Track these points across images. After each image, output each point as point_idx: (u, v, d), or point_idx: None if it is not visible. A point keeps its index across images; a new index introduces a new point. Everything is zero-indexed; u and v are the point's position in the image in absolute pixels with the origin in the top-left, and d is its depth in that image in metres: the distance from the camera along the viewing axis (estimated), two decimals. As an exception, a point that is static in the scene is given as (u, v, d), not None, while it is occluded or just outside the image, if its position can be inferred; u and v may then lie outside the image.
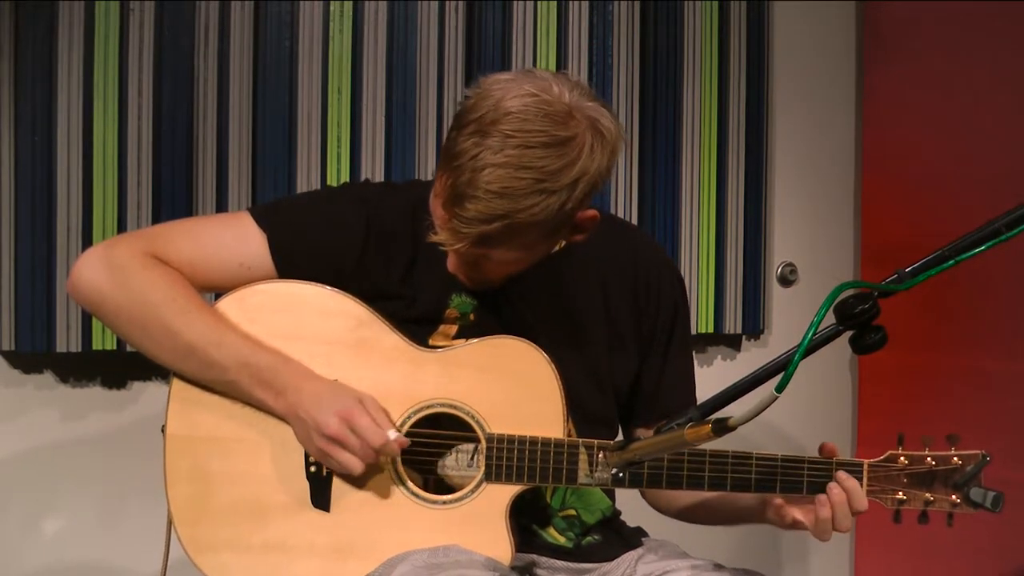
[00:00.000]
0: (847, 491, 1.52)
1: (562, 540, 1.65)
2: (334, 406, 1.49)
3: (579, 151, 1.41)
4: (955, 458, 1.56)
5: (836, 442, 1.58)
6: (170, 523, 1.56)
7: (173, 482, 1.56)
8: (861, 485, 1.54)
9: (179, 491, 1.55)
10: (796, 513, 1.54)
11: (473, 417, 1.55)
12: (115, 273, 1.55)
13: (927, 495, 1.56)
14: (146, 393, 2.30)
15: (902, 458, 1.56)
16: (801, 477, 1.54)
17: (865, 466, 1.55)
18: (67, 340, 2.17)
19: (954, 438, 1.56)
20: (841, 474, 1.52)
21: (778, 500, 1.56)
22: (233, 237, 1.60)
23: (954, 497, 1.55)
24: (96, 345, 2.19)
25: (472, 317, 1.61)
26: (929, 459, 1.56)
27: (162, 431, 1.58)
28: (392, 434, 1.49)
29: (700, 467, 1.54)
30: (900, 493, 1.56)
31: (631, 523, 1.76)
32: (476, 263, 1.52)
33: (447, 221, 1.44)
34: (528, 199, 1.40)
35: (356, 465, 1.49)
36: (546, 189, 1.40)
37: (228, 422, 1.56)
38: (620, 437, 1.72)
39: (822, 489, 1.53)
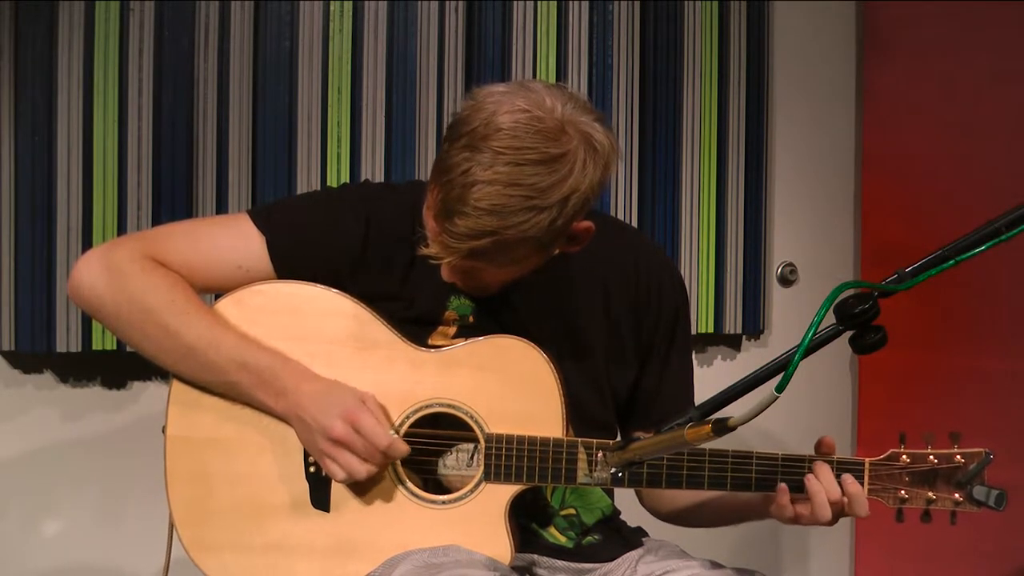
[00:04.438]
0: (849, 496, 1.51)
1: (562, 540, 1.65)
2: (336, 407, 1.49)
3: (571, 167, 1.40)
4: (958, 456, 1.55)
5: (836, 442, 1.57)
6: (171, 524, 1.56)
7: (174, 483, 1.56)
8: (863, 484, 1.54)
9: (180, 492, 1.56)
10: (797, 506, 1.54)
11: (472, 417, 1.55)
12: (114, 276, 1.55)
13: (929, 493, 1.55)
14: (146, 393, 2.30)
15: (904, 456, 1.56)
16: (802, 477, 1.54)
17: (866, 464, 1.55)
18: (67, 340, 2.18)
19: (956, 436, 1.55)
20: (848, 477, 1.52)
21: (783, 486, 1.54)
22: (232, 239, 1.60)
23: (957, 495, 1.55)
24: (96, 345, 2.20)
25: (471, 319, 1.61)
26: (931, 457, 1.55)
27: (163, 432, 1.58)
28: (388, 436, 1.49)
29: (700, 467, 1.54)
30: (902, 491, 1.55)
31: (631, 523, 1.76)
32: (469, 273, 1.53)
33: (438, 234, 1.44)
34: (518, 216, 1.39)
35: (360, 469, 1.49)
36: (536, 206, 1.39)
37: (228, 423, 1.56)
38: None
39: None
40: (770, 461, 1.54)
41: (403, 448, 1.50)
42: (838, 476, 1.52)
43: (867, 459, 1.56)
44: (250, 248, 1.59)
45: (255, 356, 1.53)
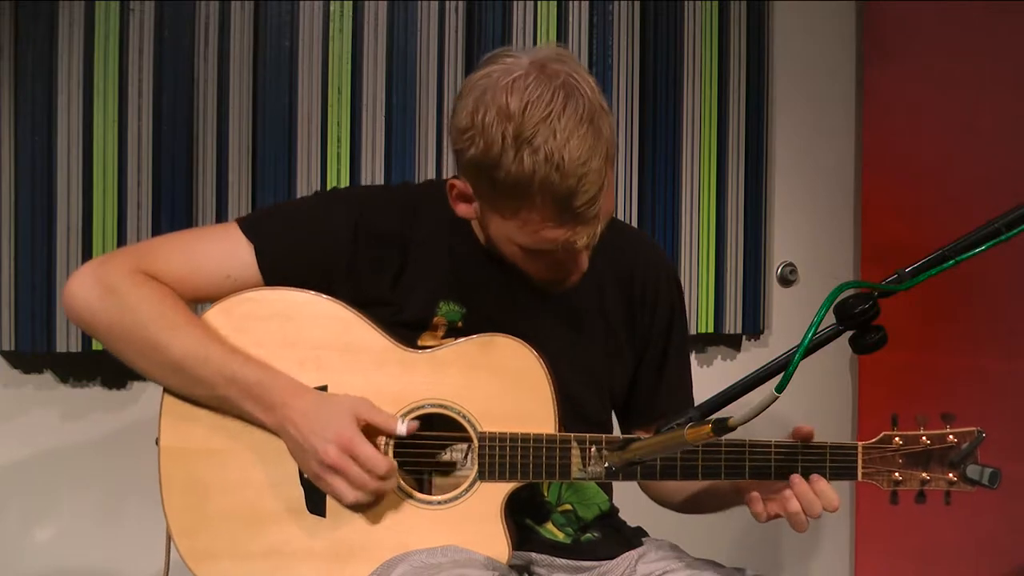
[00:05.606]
0: (817, 493, 1.51)
1: (560, 536, 1.65)
2: (330, 430, 1.48)
3: (578, 79, 1.44)
4: (950, 436, 1.56)
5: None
6: (169, 534, 1.56)
7: (169, 493, 1.55)
8: (856, 468, 1.55)
9: (175, 502, 1.55)
10: (773, 508, 1.54)
11: (464, 416, 1.55)
12: (106, 290, 1.55)
13: (923, 475, 1.56)
14: (146, 393, 2.30)
15: (897, 439, 1.56)
16: (796, 463, 1.54)
17: (859, 448, 1.56)
18: (67, 340, 2.18)
19: (949, 417, 1.57)
20: (814, 476, 1.52)
21: (754, 494, 1.55)
22: (221, 249, 1.59)
23: (951, 475, 1.55)
24: (96, 345, 2.19)
25: (460, 325, 1.60)
26: (924, 438, 1.56)
27: (156, 443, 1.57)
28: (401, 427, 1.49)
29: (693, 457, 1.54)
30: (896, 474, 1.56)
31: (631, 523, 1.76)
32: (570, 255, 1.51)
33: (571, 231, 1.44)
34: (605, 132, 1.43)
35: (351, 496, 1.49)
36: (602, 112, 1.44)
37: (221, 431, 1.55)
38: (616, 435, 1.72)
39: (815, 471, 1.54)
40: (763, 449, 1.55)
41: (394, 474, 1.50)
42: (812, 471, 1.52)
43: (860, 443, 1.57)
44: (239, 257, 1.58)
45: (243, 370, 1.52)
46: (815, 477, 1.52)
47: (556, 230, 1.45)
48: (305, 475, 1.53)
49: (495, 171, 1.43)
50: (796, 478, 1.52)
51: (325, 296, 1.58)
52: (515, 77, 1.42)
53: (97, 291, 1.55)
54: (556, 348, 1.59)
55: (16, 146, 2.15)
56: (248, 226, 1.61)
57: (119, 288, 1.54)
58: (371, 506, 1.53)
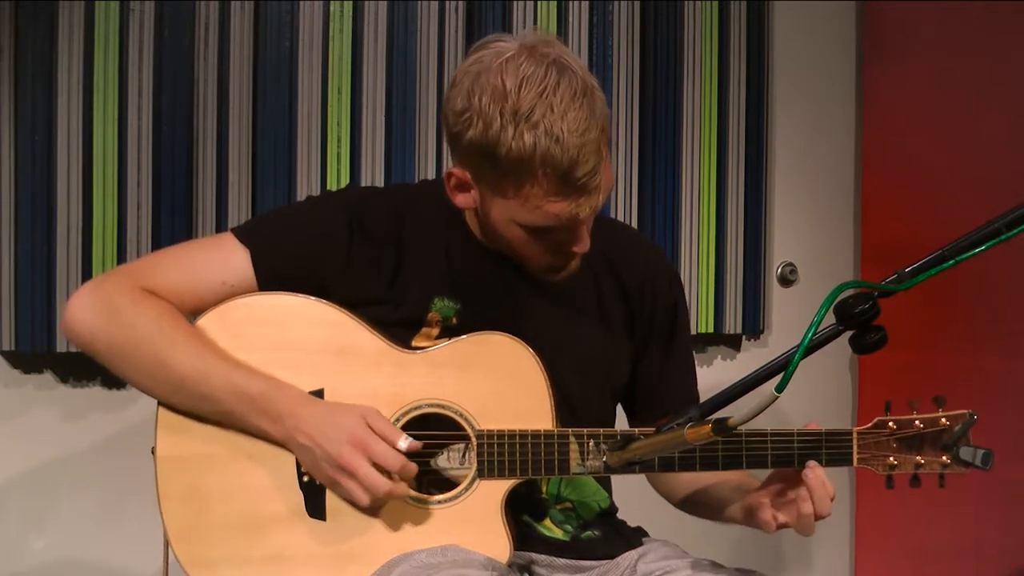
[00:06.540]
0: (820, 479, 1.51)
1: (559, 533, 1.65)
2: (343, 433, 1.48)
3: (567, 59, 1.46)
4: (943, 419, 1.57)
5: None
6: (167, 542, 1.55)
7: (167, 502, 1.54)
8: (851, 454, 1.56)
9: (173, 510, 1.53)
10: (780, 517, 1.54)
11: (461, 415, 1.55)
12: (105, 309, 1.54)
13: (918, 458, 1.57)
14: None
15: (890, 423, 1.58)
16: (792, 451, 1.55)
17: (854, 434, 1.57)
18: (67, 340, 2.17)
19: (941, 400, 1.58)
20: (811, 462, 1.52)
21: (759, 506, 1.54)
22: (217, 258, 1.59)
23: (944, 458, 1.57)
24: (96, 345, 2.19)
25: (454, 321, 1.60)
26: (917, 422, 1.57)
27: (152, 453, 1.57)
28: (403, 443, 1.49)
29: (691, 448, 1.54)
30: (891, 458, 1.57)
31: (631, 523, 1.76)
32: (572, 232, 1.51)
33: (574, 203, 1.45)
34: (599, 106, 1.45)
35: (366, 497, 1.48)
36: (594, 88, 1.46)
37: (218, 438, 1.54)
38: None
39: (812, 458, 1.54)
40: (759, 437, 1.55)
41: (413, 468, 1.50)
42: (808, 458, 1.52)
43: (855, 428, 1.57)
44: (234, 263, 1.58)
45: (247, 383, 1.51)
46: (813, 464, 1.51)
47: (559, 203, 1.45)
48: (318, 481, 1.53)
49: (496, 149, 1.43)
50: (809, 473, 1.49)
51: (320, 300, 1.57)
52: (507, 58, 1.44)
53: (95, 310, 1.54)
54: (553, 344, 1.59)
55: (16, 146, 2.16)
56: (243, 233, 1.61)
57: (117, 306, 1.54)
58: (372, 508, 1.53)
